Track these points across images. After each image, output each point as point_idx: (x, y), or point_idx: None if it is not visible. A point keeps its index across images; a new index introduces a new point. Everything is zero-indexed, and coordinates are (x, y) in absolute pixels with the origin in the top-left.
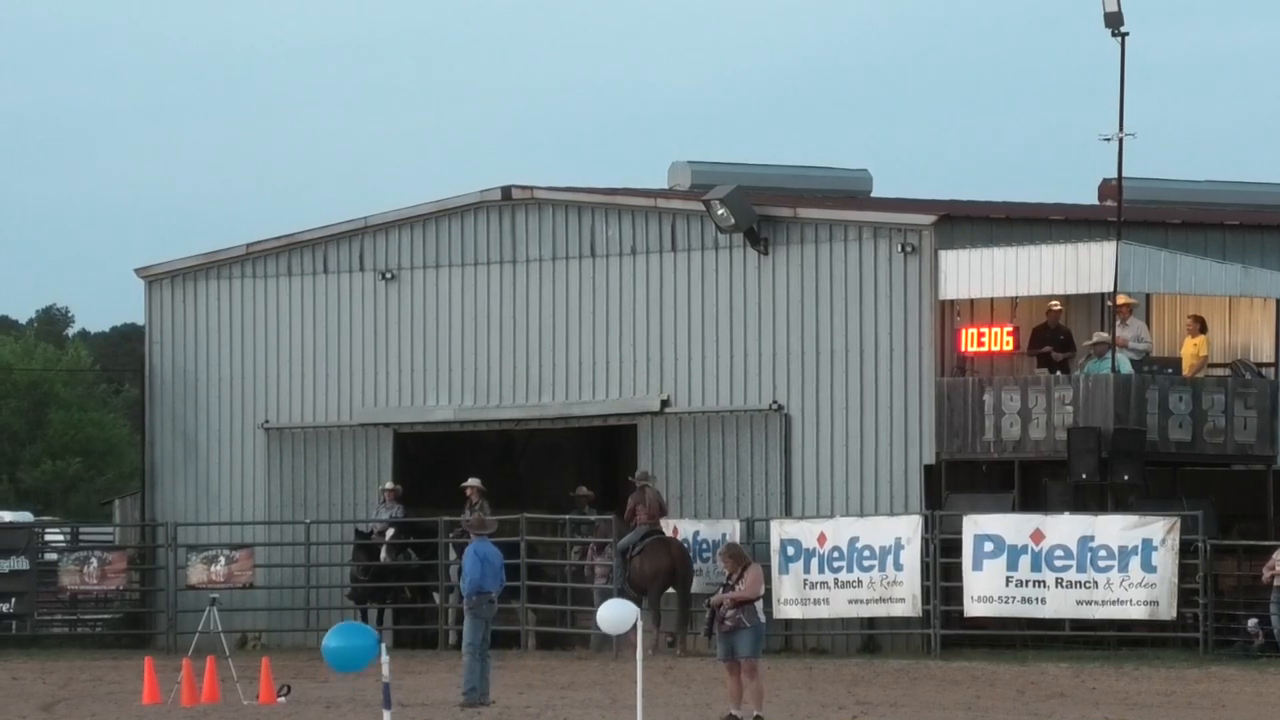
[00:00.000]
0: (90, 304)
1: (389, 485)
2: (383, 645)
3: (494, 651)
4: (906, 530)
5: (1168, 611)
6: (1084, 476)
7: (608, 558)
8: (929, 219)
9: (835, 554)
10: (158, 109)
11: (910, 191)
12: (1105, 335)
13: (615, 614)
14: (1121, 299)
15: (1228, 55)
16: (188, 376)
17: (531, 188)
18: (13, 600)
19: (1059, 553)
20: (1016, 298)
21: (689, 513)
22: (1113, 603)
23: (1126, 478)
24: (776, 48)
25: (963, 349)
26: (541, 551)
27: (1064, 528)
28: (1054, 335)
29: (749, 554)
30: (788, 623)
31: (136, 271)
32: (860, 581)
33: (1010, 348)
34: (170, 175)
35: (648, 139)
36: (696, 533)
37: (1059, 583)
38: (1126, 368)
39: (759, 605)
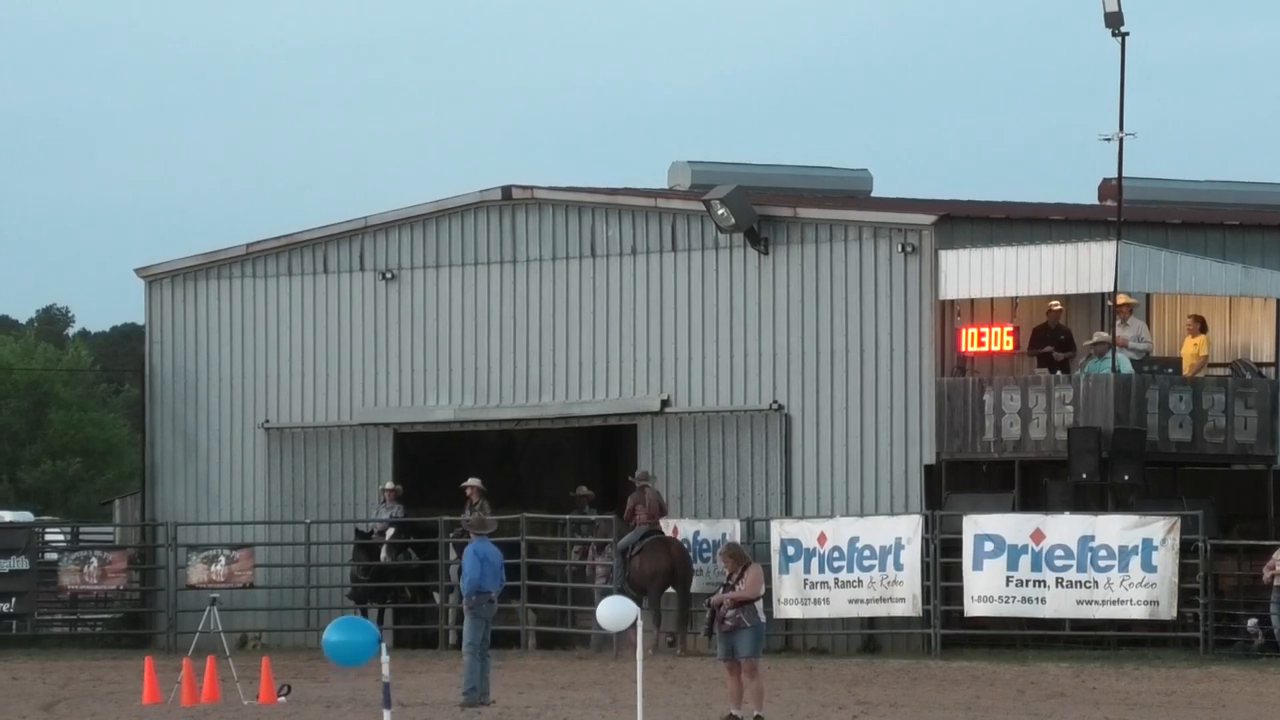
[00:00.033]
0: (90, 304)
1: (389, 485)
2: (383, 645)
3: (494, 651)
4: (907, 530)
5: (1168, 611)
6: (1084, 476)
7: (608, 558)
8: (929, 219)
9: (835, 554)
10: (158, 109)
11: (910, 191)
12: (1105, 335)
13: (615, 611)
14: (1121, 299)
15: (1228, 55)
16: (188, 376)
17: (531, 188)
18: (13, 600)
19: (1059, 552)
20: (1016, 298)
21: (689, 513)
22: (1113, 602)
23: (1127, 478)
24: (776, 48)
25: (963, 349)
26: (542, 551)
27: (1064, 528)
28: (1054, 335)
29: (749, 554)
30: (788, 622)
31: (136, 271)
32: (860, 581)
33: (1010, 348)
34: (170, 175)
35: (648, 139)
36: (697, 533)
37: (1059, 582)
38: (1127, 368)
39: (759, 605)
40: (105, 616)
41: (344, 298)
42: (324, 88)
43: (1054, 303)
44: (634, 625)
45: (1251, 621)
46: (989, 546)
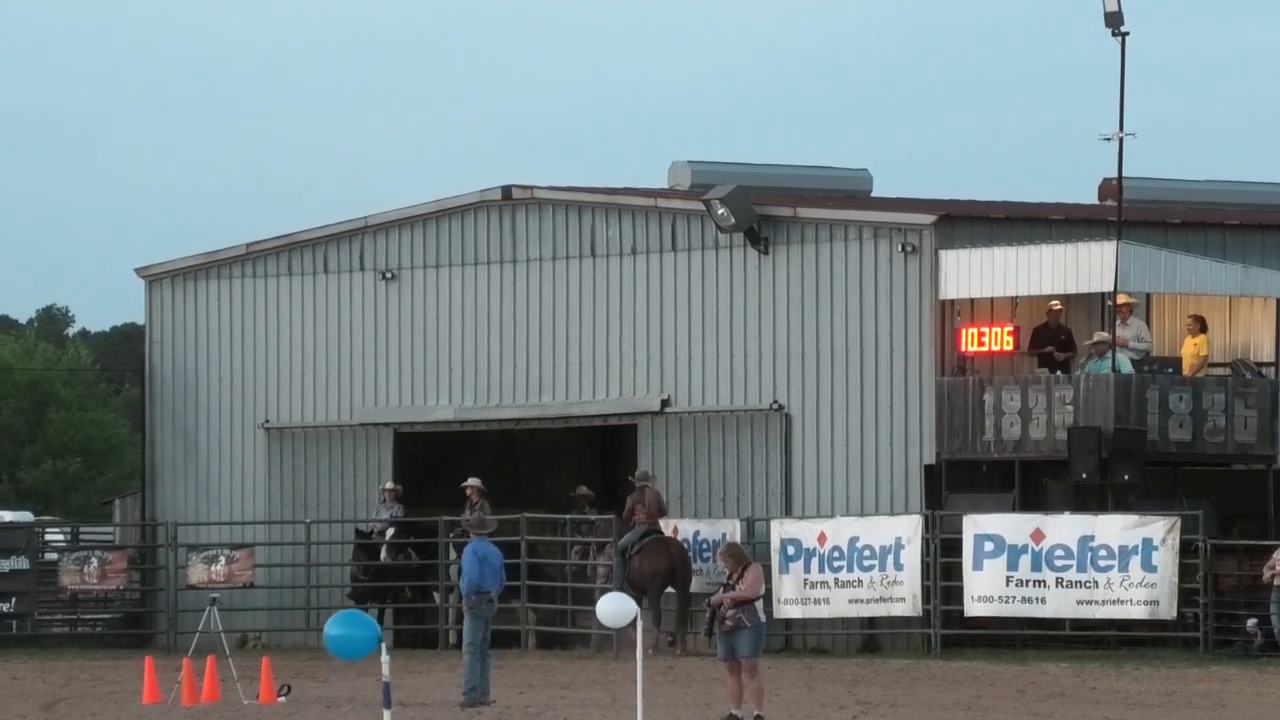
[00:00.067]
0: (90, 304)
1: (389, 485)
2: (383, 645)
3: (494, 651)
4: (907, 530)
5: (1168, 611)
6: (1084, 476)
7: (609, 558)
8: (929, 219)
9: (835, 554)
10: (158, 109)
11: (910, 191)
12: (1105, 335)
13: (614, 608)
14: (1121, 299)
15: (1228, 55)
16: (188, 376)
17: (531, 188)
18: (13, 600)
19: (1059, 552)
20: (1016, 297)
21: (689, 512)
22: (1113, 602)
23: (1127, 477)
24: (776, 48)
25: (963, 349)
26: (542, 551)
27: (1064, 527)
28: (1055, 335)
29: (749, 554)
30: (788, 622)
31: (136, 271)
32: (860, 581)
33: (1010, 347)
34: (170, 175)
35: (648, 139)
36: (697, 532)
37: (1059, 582)
38: (1127, 367)
39: (759, 605)
40: (105, 616)
41: (344, 298)
42: (324, 88)
43: (1054, 303)
44: (634, 623)
45: (1251, 621)
46: (989, 546)
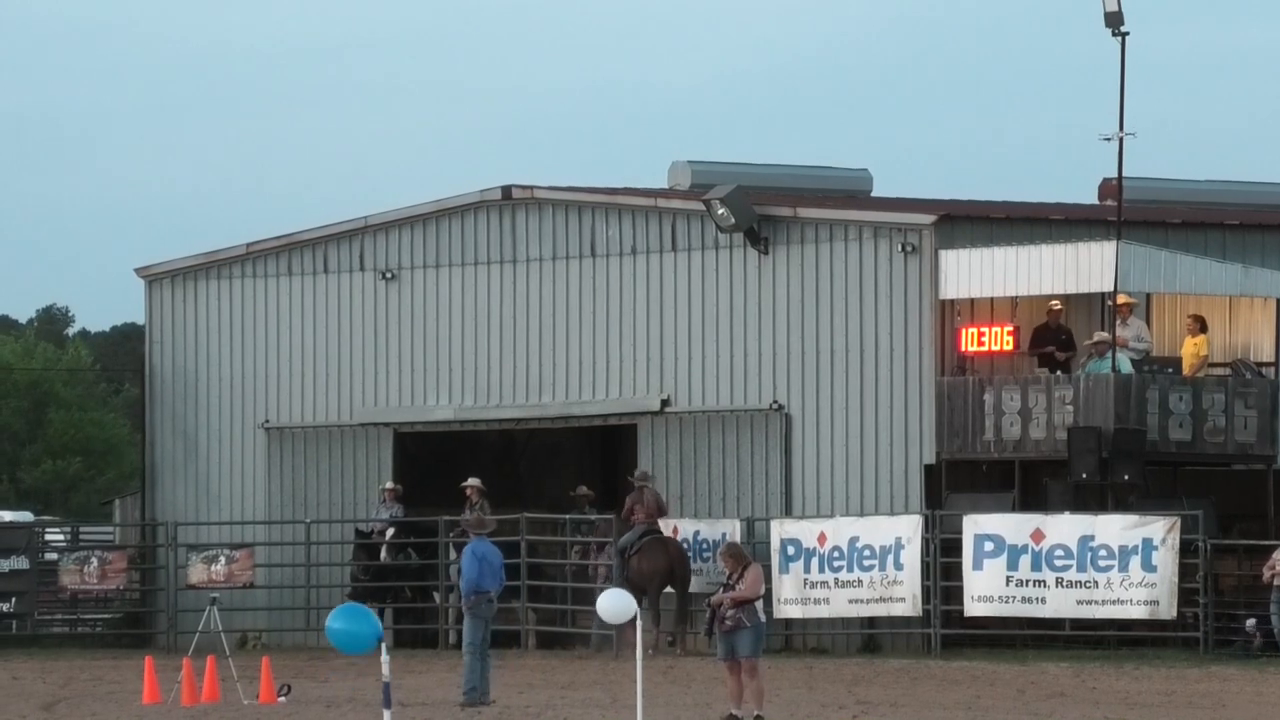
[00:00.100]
0: (90, 304)
1: (389, 485)
2: (383, 645)
3: (494, 651)
4: (907, 530)
5: (1168, 611)
6: (1084, 476)
7: (609, 557)
8: (929, 219)
9: (835, 554)
10: (158, 109)
11: (910, 191)
12: (1105, 335)
13: (615, 604)
14: (1121, 299)
15: (1228, 55)
16: (188, 376)
17: (531, 187)
18: (13, 600)
19: (1059, 552)
20: (1016, 297)
21: (689, 512)
22: (1113, 602)
23: (1127, 477)
24: (776, 48)
25: (963, 349)
26: (542, 551)
27: (1064, 527)
28: (1055, 335)
29: (749, 554)
30: (788, 622)
31: (136, 271)
32: (860, 581)
33: (1010, 347)
34: (170, 175)
35: (648, 139)
36: (697, 532)
37: (1059, 582)
38: (1127, 367)
39: (759, 605)
40: (105, 616)
41: (344, 298)
42: (324, 88)
43: (1054, 302)
44: (634, 622)
45: (1250, 622)
46: (989, 546)
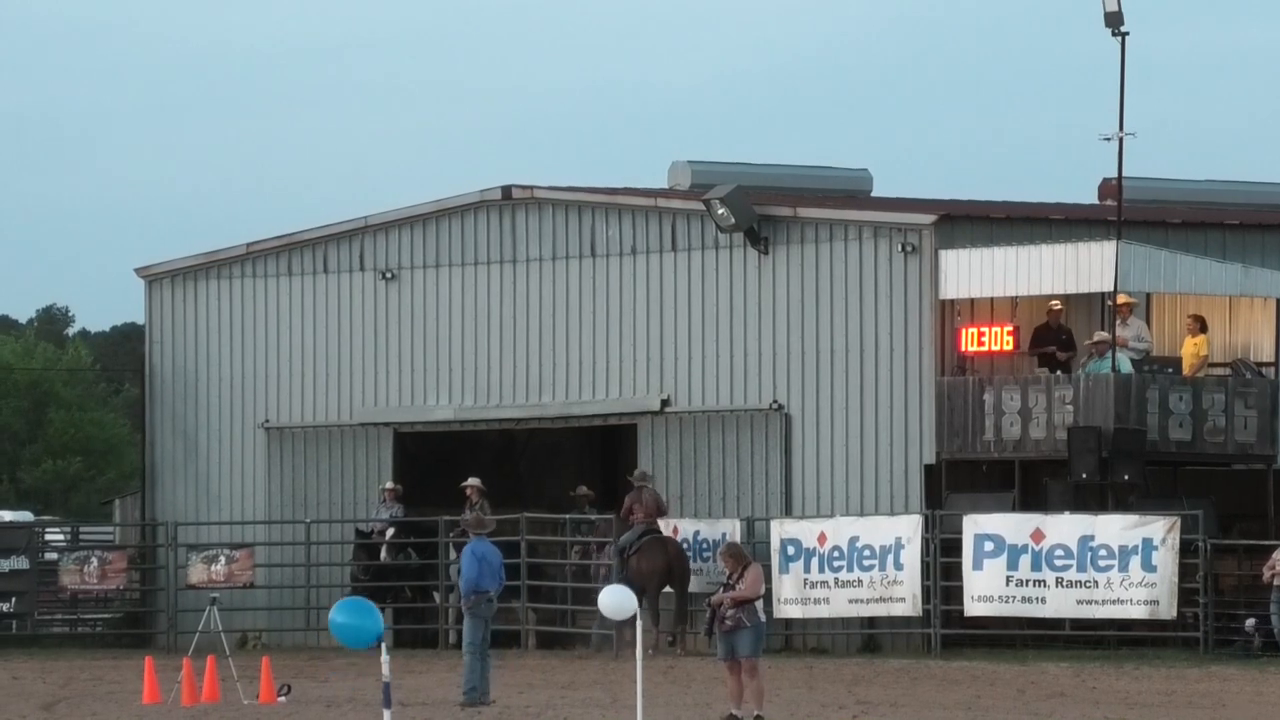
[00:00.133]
0: (90, 304)
1: (389, 485)
2: (383, 644)
3: (494, 651)
4: (907, 530)
5: (1168, 611)
6: (1084, 476)
7: (609, 557)
8: (929, 219)
9: (835, 553)
10: (158, 109)
11: (910, 191)
12: (1105, 335)
13: (616, 600)
14: (1121, 298)
15: (1228, 55)
16: (188, 376)
17: (531, 187)
18: (13, 600)
19: (1059, 552)
20: (1016, 297)
21: (689, 512)
22: (1113, 602)
23: (1127, 477)
24: (776, 48)
25: (963, 349)
26: (542, 551)
27: (1064, 527)
28: (1055, 335)
29: (749, 553)
30: (788, 622)
31: (136, 271)
32: (860, 581)
33: (1010, 347)
34: (170, 175)
35: (648, 139)
36: (697, 532)
37: (1059, 582)
38: (1127, 367)
39: (759, 605)
40: (105, 616)
41: (344, 298)
42: (324, 88)
43: (1054, 302)
44: (634, 621)
45: (1250, 622)
46: (989, 546)
